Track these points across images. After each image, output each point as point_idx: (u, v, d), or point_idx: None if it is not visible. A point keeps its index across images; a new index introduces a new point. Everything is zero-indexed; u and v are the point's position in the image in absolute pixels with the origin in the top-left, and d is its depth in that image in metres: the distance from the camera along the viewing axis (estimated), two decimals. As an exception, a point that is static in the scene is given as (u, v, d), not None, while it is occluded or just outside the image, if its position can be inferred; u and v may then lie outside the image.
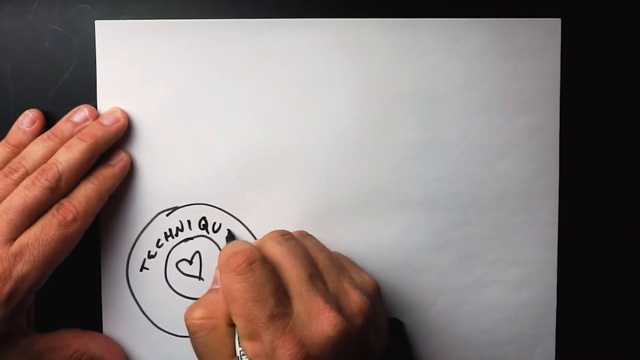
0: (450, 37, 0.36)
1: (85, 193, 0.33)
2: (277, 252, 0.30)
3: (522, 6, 0.36)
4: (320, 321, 0.27)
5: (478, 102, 0.36)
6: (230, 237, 0.35)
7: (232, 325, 0.29)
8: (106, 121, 0.34)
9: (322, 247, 0.32)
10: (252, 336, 0.27)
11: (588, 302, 0.38)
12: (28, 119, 0.35)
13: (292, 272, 0.29)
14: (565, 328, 0.37)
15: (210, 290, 0.31)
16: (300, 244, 0.31)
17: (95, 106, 0.35)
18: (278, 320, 0.27)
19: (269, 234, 0.32)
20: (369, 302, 0.29)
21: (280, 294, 0.28)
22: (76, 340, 0.34)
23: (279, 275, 0.29)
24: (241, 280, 0.28)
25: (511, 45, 0.36)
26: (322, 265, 0.30)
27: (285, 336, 0.27)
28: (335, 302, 0.29)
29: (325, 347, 0.27)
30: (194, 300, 0.36)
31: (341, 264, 0.32)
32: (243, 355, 0.28)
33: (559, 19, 0.36)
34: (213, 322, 0.29)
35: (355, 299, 0.29)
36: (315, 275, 0.29)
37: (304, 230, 0.35)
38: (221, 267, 0.29)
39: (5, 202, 0.31)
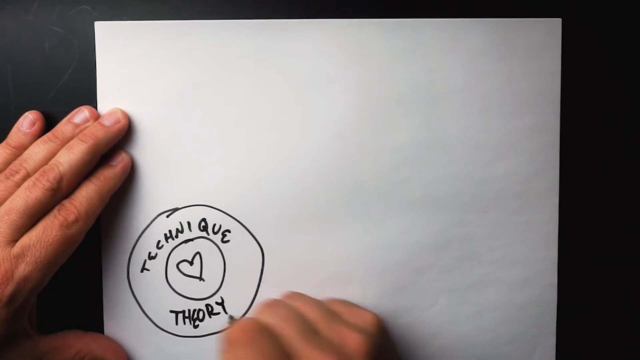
0: (450, 38, 0.36)
1: (87, 194, 0.33)
2: (270, 321, 0.30)
3: (523, 6, 0.36)
4: None
5: (478, 103, 0.36)
6: (231, 319, 0.35)
7: None
8: (107, 122, 0.34)
9: (312, 302, 0.33)
10: None
11: (588, 302, 0.38)
12: (28, 120, 0.35)
13: (287, 335, 0.30)
14: (566, 328, 0.37)
15: None
16: (288, 306, 0.32)
17: (95, 107, 0.35)
18: None
19: (258, 308, 0.32)
20: (367, 338, 0.30)
21: (284, 357, 0.28)
22: (79, 341, 0.34)
23: (278, 341, 0.29)
24: (246, 350, 0.28)
25: (511, 45, 0.36)
26: (314, 319, 0.31)
27: None
28: (334, 349, 0.29)
29: None
30: (196, 301, 0.36)
31: (335, 310, 0.33)
32: None
33: (560, 19, 0.36)
34: None
35: (352, 340, 0.30)
36: (308, 331, 0.30)
37: (292, 291, 0.36)
38: (224, 346, 0.29)
39: (6, 203, 0.31)
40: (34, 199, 0.31)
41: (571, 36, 0.36)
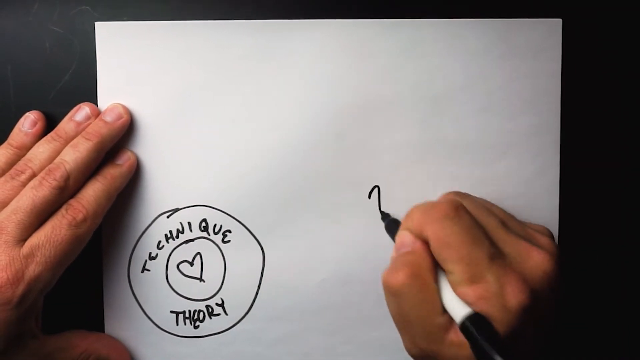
0: (450, 38, 0.36)
1: (94, 193, 0.33)
2: (468, 205, 0.30)
3: (523, 6, 0.36)
4: (532, 259, 0.28)
5: (478, 102, 0.36)
6: (394, 222, 0.34)
7: (436, 282, 0.28)
8: (109, 118, 0.34)
9: (491, 203, 0.33)
10: (474, 279, 0.27)
11: (588, 302, 0.38)
12: (29, 120, 0.35)
13: (487, 221, 0.29)
14: (566, 327, 0.37)
15: (404, 254, 0.29)
16: (476, 199, 0.32)
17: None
18: (498, 259, 0.27)
19: (442, 198, 0.32)
20: (554, 243, 0.30)
21: (489, 237, 0.28)
22: (84, 341, 0.34)
23: (479, 224, 0.29)
24: (453, 225, 0.28)
25: (512, 45, 0.36)
26: (502, 216, 0.31)
27: (509, 274, 0.27)
28: (536, 243, 0.29)
29: (543, 282, 0.28)
30: (196, 302, 0.36)
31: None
32: (456, 305, 0.27)
33: (560, 19, 0.36)
34: (421, 280, 0.28)
35: (544, 241, 0.29)
36: (504, 223, 0.30)
37: None
38: (426, 219, 0.28)
39: (13, 202, 0.31)
40: (41, 197, 0.31)
41: (571, 36, 0.36)
